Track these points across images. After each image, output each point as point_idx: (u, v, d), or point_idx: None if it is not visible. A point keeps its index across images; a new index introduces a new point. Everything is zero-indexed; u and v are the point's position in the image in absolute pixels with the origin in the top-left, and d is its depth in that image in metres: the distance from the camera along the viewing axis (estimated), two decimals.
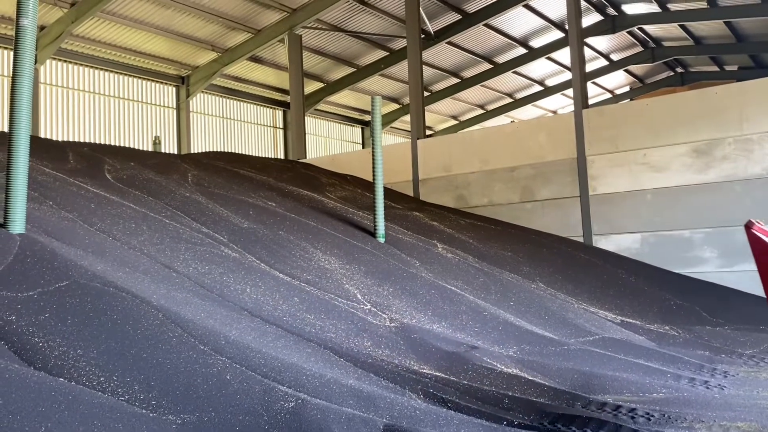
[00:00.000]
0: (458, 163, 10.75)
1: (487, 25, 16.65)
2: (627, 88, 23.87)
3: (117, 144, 14.38)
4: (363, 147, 21.55)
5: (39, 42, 12.46)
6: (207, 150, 16.02)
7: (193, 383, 3.05)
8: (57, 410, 2.58)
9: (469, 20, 16.06)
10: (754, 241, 3.81)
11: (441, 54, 17.83)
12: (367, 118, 21.18)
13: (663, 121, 8.91)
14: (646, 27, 18.15)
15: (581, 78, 10.08)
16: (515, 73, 20.04)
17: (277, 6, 14.04)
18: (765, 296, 3.86)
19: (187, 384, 3.04)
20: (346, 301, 5.06)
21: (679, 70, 22.59)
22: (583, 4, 15.45)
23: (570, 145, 9.64)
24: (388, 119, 20.90)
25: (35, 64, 12.08)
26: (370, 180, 7.65)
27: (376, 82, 18.83)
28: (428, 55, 16.63)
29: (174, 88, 16.02)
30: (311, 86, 17.69)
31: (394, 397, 3.39)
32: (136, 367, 3.09)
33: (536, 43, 18.60)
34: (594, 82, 21.89)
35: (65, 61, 13.78)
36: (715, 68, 21.72)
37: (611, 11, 17.08)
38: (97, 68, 14.35)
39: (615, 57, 20.62)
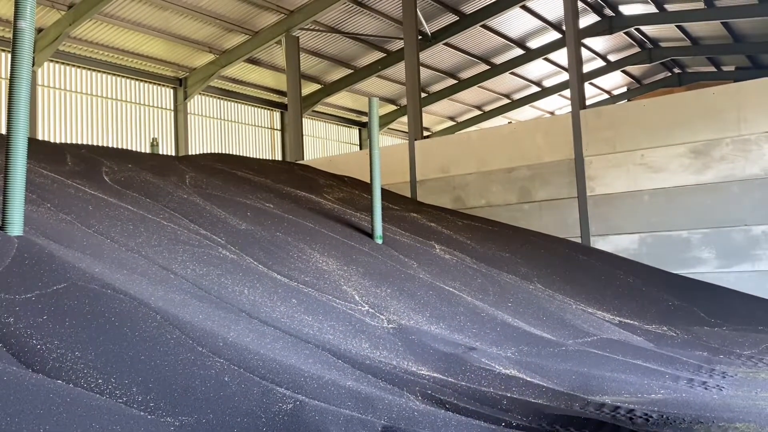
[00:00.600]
0: (456, 164, 10.76)
1: (484, 26, 16.67)
2: (624, 89, 23.91)
3: (114, 146, 14.38)
4: (360, 148, 21.56)
5: (37, 44, 12.46)
6: (204, 152, 16.01)
7: (191, 385, 3.05)
8: (55, 412, 2.57)
9: (466, 21, 16.08)
10: None
11: (438, 55, 17.85)
12: (365, 119, 21.20)
13: (660, 121, 8.92)
14: (643, 27, 18.18)
15: (578, 79, 10.09)
16: (512, 74, 20.06)
17: (274, 8, 14.05)
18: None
19: (185, 386, 3.04)
20: (344, 303, 5.06)
21: (676, 70, 22.63)
22: (580, 5, 15.49)
23: (567, 146, 9.65)
24: (386, 120, 20.92)
25: (33, 66, 12.06)
26: (368, 181, 7.64)
27: (374, 84, 18.84)
28: (425, 56, 16.65)
29: (171, 90, 16.02)
30: (308, 88, 17.70)
31: (392, 398, 3.39)
32: (134, 368, 3.08)
33: (533, 44, 18.63)
34: (591, 83, 21.92)
35: (63, 63, 13.77)
36: (713, 69, 21.76)
37: (608, 12, 17.12)
38: (94, 70, 14.35)
39: (612, 58, 20.66)
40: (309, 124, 19.51)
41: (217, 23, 14.17)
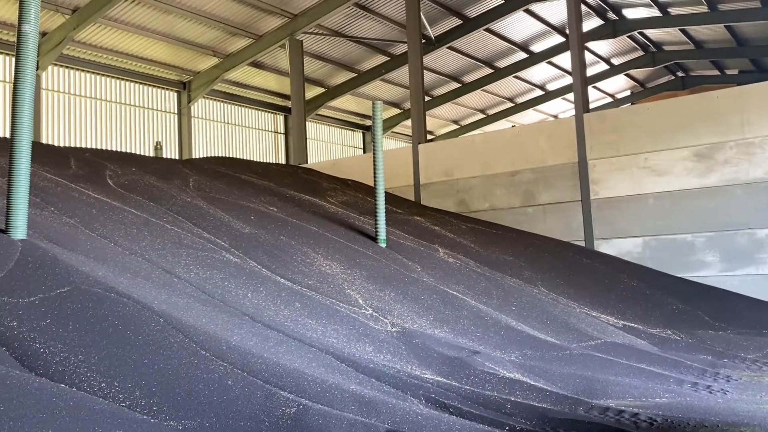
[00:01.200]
0: (459, 167, 10.75)
1: (488, 30, 16.67)
2: (628, 93, 23.90)
3: (118, 149, 14.39)
4: (364, 152, 21.58)
5: (41, 48, 12.49)
6: (208, 155, 16.04)
7: (195, 389, 3.05)
8: (58, 416, 2.57)
9: (469, 25, 16.09)
10: None
11: (442, 59, 17.86)
12: (368, 122, 21.21)
13: (664, 125, 8.91)
14: (647, 31, 18.19)
15: (582, 82, 10.09)
16: (516, 77, 20.07)
17: (278, 12, 14.07)
18: None
19: (189, 390, 3.04)
20: (347, 306, 5.06)
21: (680, 74, 22.62)
22: (584, 8, 15.49)
23: (571, 149, 9.64)
24: (389, 124, 20.92)
25: (37, 70, 12.11)
26: (372, 185, 7.65)
27: (377, 87, 18.86)
28: (429, 59, 16.66)
29: (175, 94, 16.05)
30: (312, 91, 17.72)
31: (396, 402, 3.38)
32: (137, 372, 3.08)
33: (537, 47, 18.63)
34: (595, 87, 21.91)
35: (67, 67, 13.81)
36: (716, 72, 21.74)
37: (612, 15, 17.11)
38: (98, 74, 14.40)
39: (616, 61, 20.65)
40: (313, 128, 19.53)
41: (221, 27, 14.20)
